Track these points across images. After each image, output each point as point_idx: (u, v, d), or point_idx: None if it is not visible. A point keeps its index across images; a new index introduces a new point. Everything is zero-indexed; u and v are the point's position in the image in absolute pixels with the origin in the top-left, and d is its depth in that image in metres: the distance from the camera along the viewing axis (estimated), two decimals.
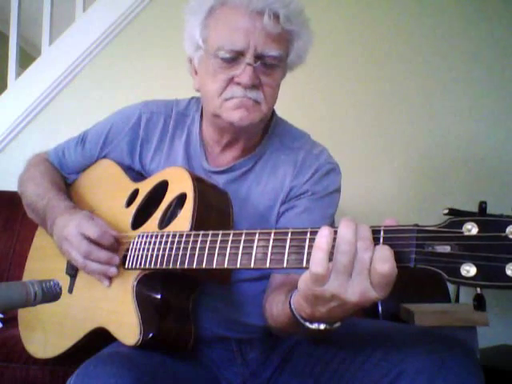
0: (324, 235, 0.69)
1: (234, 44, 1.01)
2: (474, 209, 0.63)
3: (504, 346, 2.01)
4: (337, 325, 0.79)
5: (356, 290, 0.68)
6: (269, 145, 1.15)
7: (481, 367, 0.87)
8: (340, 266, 0.68)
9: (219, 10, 1.04)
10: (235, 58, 1.01)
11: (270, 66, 1.03)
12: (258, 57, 1.01)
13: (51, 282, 0.72)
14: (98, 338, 1.03)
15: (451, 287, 1.97)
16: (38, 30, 2.49)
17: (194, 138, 1.17)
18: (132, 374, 0.84)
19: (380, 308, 1.73)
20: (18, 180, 1.31)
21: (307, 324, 0.80)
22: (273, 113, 1.19)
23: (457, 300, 2.05)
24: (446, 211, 0.64)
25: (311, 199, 1.10)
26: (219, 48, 1.02)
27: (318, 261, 0.68)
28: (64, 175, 1.32)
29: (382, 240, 0.67)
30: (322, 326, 0.79)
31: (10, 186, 1.61)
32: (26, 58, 3.02)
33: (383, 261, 0.66)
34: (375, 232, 0.68)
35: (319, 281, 0.70)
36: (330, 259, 0.69)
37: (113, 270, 1.02)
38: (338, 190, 1.14)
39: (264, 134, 1.16)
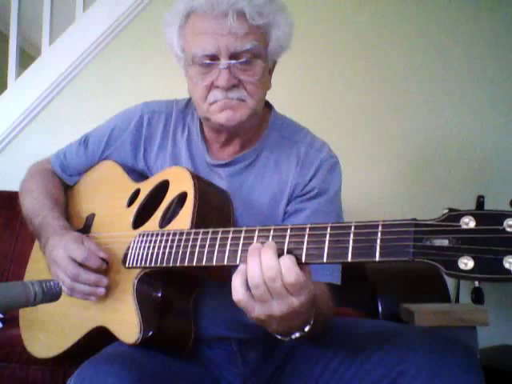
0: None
1: (204, 49, 1.02)
2: (473, 205, 0.64)
3: (504, 346, 2.01)
4: (307, 328, 0.83)
5: (281, 306, 0.75)
6: (269, 139, 1.16)
7: (481, 367, 0.87)
8: (257, 297, 0.75)
9: (190, 18, 1.06)
10: (211, 63, 1.02)
11: (248, 62, 1.03)
12: (233, 56, 1.02)
13: (51, 282, 0.72)
14: (99, 338, 1.03)
15: (451, 287, 1.97)
16: (38, 30, 2.49)
17: (195, 134, 1.18)
18: (132, 374, 0.84)
19: (380, 308, 1.73)
20: (19, 188, 1.30)
21: (282, 338, 0.85)
22: (271, 108, 1.20)
23: (457, 300, 2.05)
24: (446, 211, 0.64)
25: (321, 201, 1.10)
26: (193, 56, 1.04)
27: (234, 287, 0.77)
28: (65, 178, 1.32)
29: (379, 234, 0.67)
30: (298, 334, 0.83)
31: (10, 186, 1.61)
32: (26, 58, 3.01)
33: (289, 273, 0.73)
34: (373, 227, 0.69)
35: (244, 308, 0.77)
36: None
37: (101, 291, 1.02)
38: (341, 185, 1.15)
39: (263, 129, 1.17)
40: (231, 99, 1.03)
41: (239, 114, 1.05)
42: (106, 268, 1.03)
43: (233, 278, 0.77)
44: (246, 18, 1.01)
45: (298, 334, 0.83)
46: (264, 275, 0.73)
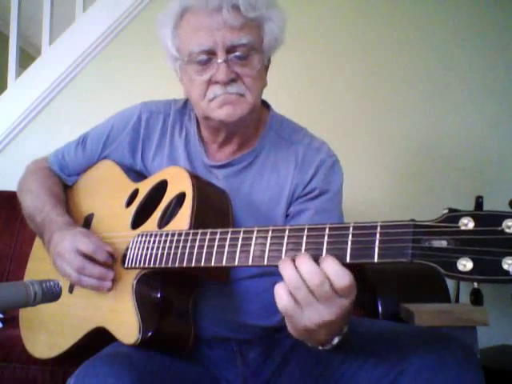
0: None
1: (201, 45, 1.02)
2: (471, 206, 0.63)
3: (504, 346, 2.01)
4: (345, 329, 0.80)
5: (332, 310, 0.71)
6: (267, 140, 1.16)
7: (481, 367, 0.87)
8: (300, 299, 0.71)
9: (184, 17, 1.06)
10: (208, 59, 1.03)
11: (244, 57, 1.03)
12: (229, 50, 1.02)
13: (51, 282, 0.72)
14: (98, 338, 1.03)
15: (451, 287, 1.97)
16: (38, 30, 2.49)
17: (193, 135, 1.18)
18: (132, 374, 0.84)
19: (380, 308, 1.72)
20: (17, 187, 1.30)
21: (321, 348, 0.81)
22: (269, 108, 1.20)
23: (457, 300, 2.05)
24: (446, 211, 0.64)
25: (324, 200, 1.10)
26: (190, 53, 1.04)
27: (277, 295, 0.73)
28: (64, 178, 1.32)
29: (378, 235, 0.67)
30: (336, 340, 0.80)
31: (10, 186, 1.61)
32: (26, 58, 3.02)
33: (340, 277, 0.69)
34: (372, 228, 0.68)
35: (292, 316, 0.73)
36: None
37: (107, 285, 1.02)
38: (342, 183, 1.15)
39: (261, 129, 1.16)
40: (230, 94, 1.03)
41: (239, 109, 1.04)
42: (111, 263, 1.03)
43: (276, 288, 0.73)
44: (241, 10, 1.01)
45: (336, 340, 0.80)
46: (307, 282, 0.70)
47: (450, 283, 1.94)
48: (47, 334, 1.18)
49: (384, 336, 0.96)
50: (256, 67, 1.05)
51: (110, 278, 1.02)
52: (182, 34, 1.07)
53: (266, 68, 1.14)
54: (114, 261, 1.04)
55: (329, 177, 1.12)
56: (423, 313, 1.56)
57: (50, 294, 0.71)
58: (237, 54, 1.02)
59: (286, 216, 1.12)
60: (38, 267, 1.29)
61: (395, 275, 1.78)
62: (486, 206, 0.62)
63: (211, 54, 1.02)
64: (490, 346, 1.97)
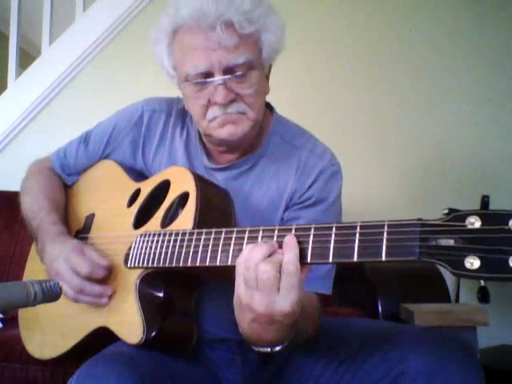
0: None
1: (197, 67, 0.99)
2: (472, 207, 0.64)
3: (504, 346, 2.01)
4: (278, 348, 0.82)
5: (263, 301, 0.73)
6: (270, 144, 1.14)
7: (481, 367, 0.87)
8: (248, 281, 0.75)
9: (177, 35, 1.03)
10: (205, 80, 1.00)
11: (243, 75, 1.01)
12: (227, 70, 0.99)
13: (51, 282, 0.72)
14: (100, 338, 1.02)
15: (451, 287, 1.97)
16: (38, 30, 2.50)
17: (194, 136, 1.17)
18: (133, 374, 0.84)
19: (380, 308, 1.73)
20: (21, 187, 1.30)
21: (254, 348, 0.84)
22: (272, 111, 1.19)
23: (457, 300, 2.05)
24: (446, 211, 0.64)
25: (320, 210, 1.09)
26: (187, 75, 1.02)
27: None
28: (64, 177, 1.32)
29: (385, 234, 0.68)
30: (268, 349, 0.82)
31: (10, 186, 1.61)
32: (26, 58, 3.01)
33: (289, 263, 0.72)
34: (379, 226, 0.69)
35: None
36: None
37: (104, 301, 1.01)
38: (340, 193, 1.14)
39: (264, 133, 1.15)
40: (230, 114, 1.02)
41: (241, 127, 1.03)
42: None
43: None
44: (235, 28, 0.97)
45: (268, 349, 0.82)
46: (261, 263, 0.73)
47: (450, 283, 1.94)
48: (47, 334, 1.17)
49: (384, 336, 0.96)
50: (255, 84, 1.03)
51: (107, 294, 1.01)
52: (176, 52, 1.04)
53: (267, 76, 1.12)
54: (111, 272, 1.03)
55: (327, 186, 1.10)
56: (423, 313, 1.56)
57: (50, 294, 0.71)
58: (235, 74, 1.00)
59: (281, 220, 1.11)
60: (37, 267, 1.29)
61: (395, 275, 1.78)
62: (492, 206, 0.63)
63: (208, 74, 1.00)
64: (490, 346, 1.97)
